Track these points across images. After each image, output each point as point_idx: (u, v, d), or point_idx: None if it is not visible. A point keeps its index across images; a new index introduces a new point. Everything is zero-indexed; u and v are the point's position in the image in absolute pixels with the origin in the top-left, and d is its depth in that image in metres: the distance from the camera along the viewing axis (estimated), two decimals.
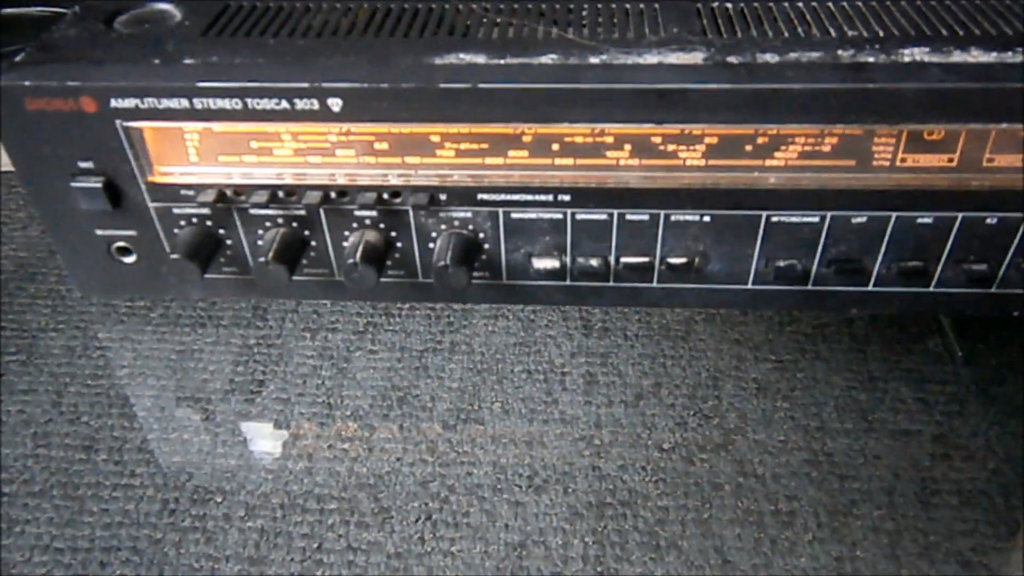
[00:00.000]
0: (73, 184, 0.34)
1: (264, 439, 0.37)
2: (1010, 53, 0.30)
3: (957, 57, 0.31)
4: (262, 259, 0.34)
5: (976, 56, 0.31)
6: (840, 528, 0.33)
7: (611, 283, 0.36)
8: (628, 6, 0.36)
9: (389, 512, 0.34)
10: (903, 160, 0.32)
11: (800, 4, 0.35)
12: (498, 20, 0.35)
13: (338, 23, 0.35)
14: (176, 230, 0.36)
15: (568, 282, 0.36)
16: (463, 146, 0.33)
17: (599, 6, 0.36)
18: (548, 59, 0.32)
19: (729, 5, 0.35)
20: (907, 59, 0.31)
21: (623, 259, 0.35)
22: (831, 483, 0.35)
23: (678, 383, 0.39)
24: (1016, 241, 0.33)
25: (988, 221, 0.33)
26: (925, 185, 0.32)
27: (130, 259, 0.37)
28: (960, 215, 0.32)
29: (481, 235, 0.35)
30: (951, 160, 0.32)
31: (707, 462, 0.36)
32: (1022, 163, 0.31)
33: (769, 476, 0.35)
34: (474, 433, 0.38)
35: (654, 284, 0.36)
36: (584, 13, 0.35)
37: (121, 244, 0.36)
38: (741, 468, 0.36)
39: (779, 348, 0.40)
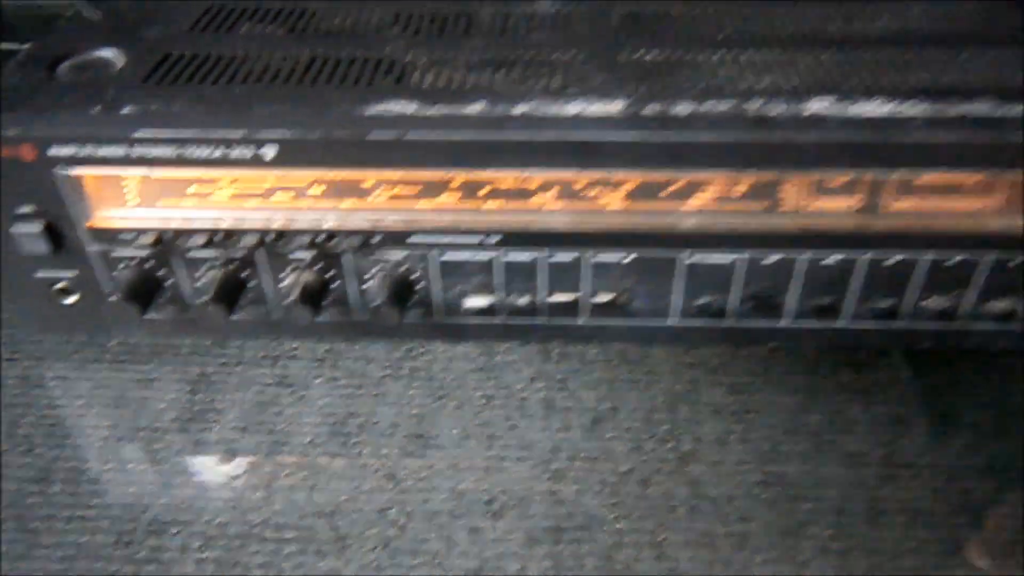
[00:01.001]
0: (13, 230, 0.35)
1: (221, 469, 0.38)
2: (907, 104, 0.33)
3: (856, 109, 0.33)
4: (201, 300, 0.35)
5: (874, 107, 0.33)
6: (791, 548, 0.34)
7: (540, 320, 0.37)
8: (558, 54, 0.37)
9: (347, 540, 0.34)
10: (810, 204, 0.34)
11: (716, 55, 0.37)
12: (431, 67, 0.36)
13: (277, 70, 0.36)
14: (116, 271, 0.36)
15: (499, 319, 0.37)
16: (395, 191, 0.34)
17: (531, 53, 0.37)
18: (475, 108, 0.33)
19: (650, 55, 0.37)
20: (809, 111, 0.33)
21: (551, 297, 0.37)
22: (782, 504, 0.36)
23: (635, 407, 0.40)
24: (918, 278, 0.35)
25: (889, 261, 0.35)
26: (831, 228, 0.34)
27: (71, 299, 0.38)
28: (863, 255, 0.35)
29: (414, 275, 0.36)
30: (855, 204, 0.34)
31: (662, 485, 0.37)
32: (920, 207, 0.34)
33: (722, 498, 0.36)
34: (433, 459, 0.38)
35: (581, 321, 0.37)
36: (515, 60, 0.37)
37: (62, 285, 0.37)
38: (695, 490, 0.36)
39: (734, 372, 0.41)
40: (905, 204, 0.34)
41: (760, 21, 0.40)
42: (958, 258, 0.34)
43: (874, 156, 0.32)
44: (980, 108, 0.32)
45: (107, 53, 0.38)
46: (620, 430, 0.39)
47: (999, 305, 0.35)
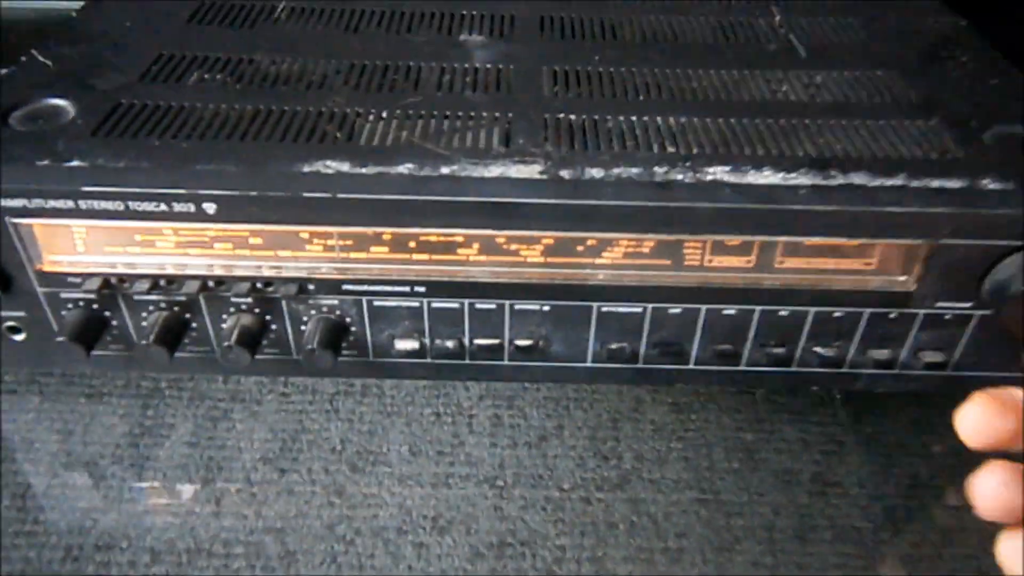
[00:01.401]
0: None
1: (171, 483, 0.39)
2: (793, 174, 0.36)
3: (750, 177, 0.36)
4: (144, 342, 0.37)
5: (766, 176, 0.36)
6: (724, 564, 0.36)
7: (466, 361, 0.40)
8: (488, 113, 0.40)
9: (295, 556, 0.36)
10: (710, 261, 0.37)
11: (633, 118, 0.40)
12: (367, 123, 0.39)
13: (221, 123, 0.39)
14: (64, 312, 0.38)
15: (428, 360, 0.40)
16: (329, 242, 0.37)
17: (463, 111, 0.40)
18: (404, 168, 0.36)
19: (572, 117, 0.40)
20: (709, 178, 0.36)
21: (476, 341, 0.39)
22: (718, 520, 0.38)
23: (580, 425, 0.42)
24: (806, 329, 0.39)
25: (781, 313, 0.38)
26: (728, 283, 0.37)
27: (20, 336, 0.40)
28: (757, 308, 0.38)
29: (347, 319, 0.39)
30: (749, 262, 0.37)
31: (604, 501, 0.39)
32: (807, 266, 0.37)
33: (661, 515, 0.38)
34: (381, 475, 0.40)
35: (505, 362, 0.40)
36: (448, 118, 0.40)
37: (11, 324, 0.39)
38: (635, 507, 0.38)
39: (676, 391, 0.44)
40: (793, 263, 0.37)
41: (673, 85, 0.43)
42: (841, 312, 0.38)
43: (763, 222, 0.35)
44: (858, 179, 0.36)
45: (59, 102, 0.40)
46: (565, 448, 0.41)
47: (879, 353, 0.39)
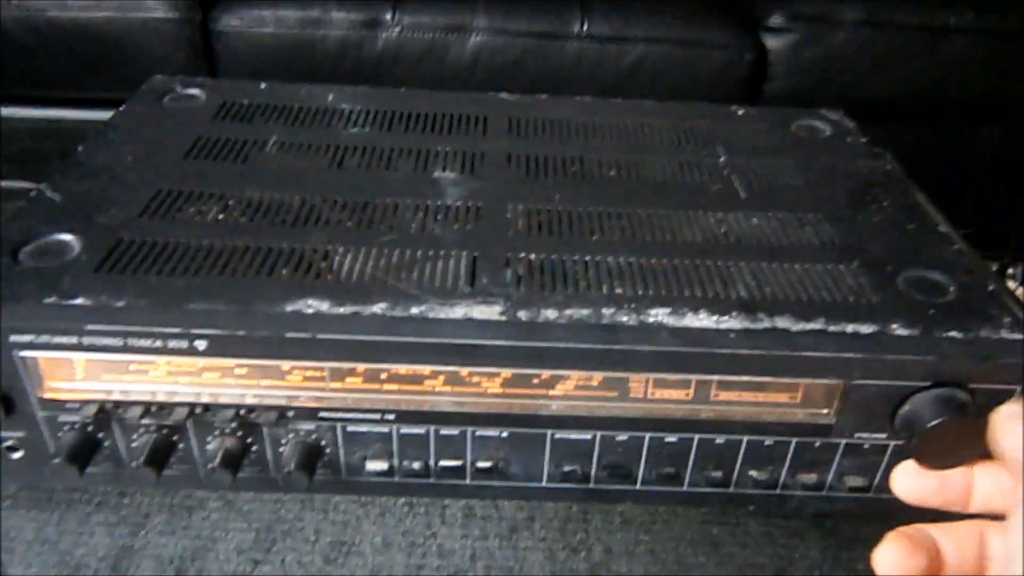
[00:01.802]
0: None
1: (145, 571, 0.40)
2: (725, 318, 0.41)
3: (687, 320, 0.40)
4: (134, 463, 0.40)
5: (701, 319, 0.41)
6: None
7: (432, 480, 0.44)
8: (454, 252, 0.45)
9: None
10: (653, 394, 0.41)
11: (587, 259, 0.45)
12: (346, 261, 0.43)
13: (214, 260, 0.43)
14: (60, 434, 0.42)
15: (396, 479, 0.43)
16: (307, 374, 0.41)
17: (430, 252, 0.45)
18: (378, 308, 0.40)
19: (532, 257, 0.45)
20: (651, 319, 0.40)
21: (440, 463, 0.43)
22: None
23: (550, 517, 0.44)
24: (741, 455, 0.42)
25: (718, 441, 0.42)
26: (669, 414, 0.41)
27: (17, 455, 0.43)
28: (696, 436, 0.42)
29: (323, 443, 0.42)
30: (688, 395, 0.41)
31: None
32: (739, 399, 0.41)
33: None
34: (354, 567, 0.41)
35: (467, 481, 0.44)
36: (420, 257, 0.44)
37: (10, 443, 0.42)
38: None
39: None
40: (727, 396, 0.41)
41: (625, 224, 0.48)
42: (771, 440, 0.42)
43: (698, 363, 0.39)
44: (782, 323, 0.40)
45: (65, 237, 0.44)
46: (535, 540, 0.43)
47: (807, 477, 0.43)
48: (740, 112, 0.63)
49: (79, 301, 0.39)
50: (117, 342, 0.39)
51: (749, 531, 0.45)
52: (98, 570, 0.41)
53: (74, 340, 0.39)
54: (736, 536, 0.44)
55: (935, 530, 0.36)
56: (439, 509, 0.44)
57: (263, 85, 0.62)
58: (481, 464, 0.43)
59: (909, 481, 0.37)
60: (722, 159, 0.56)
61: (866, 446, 0.42)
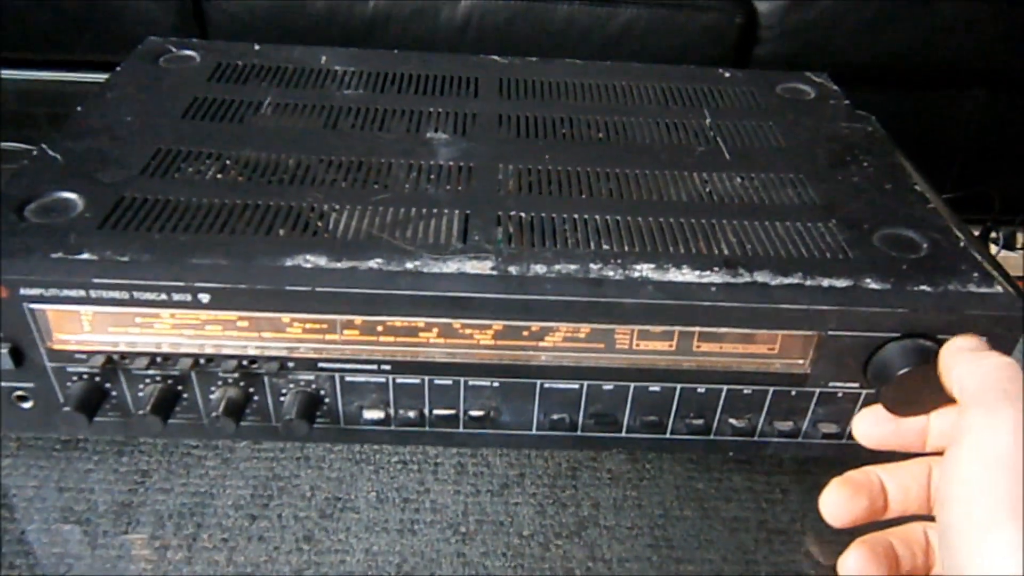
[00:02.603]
0: None
1: (144, 530, 0.41)
2: (707, 273, 0.42)
3: (671, 274, 0.42)
4: (141, 412, 0.42)
5: (684, 274, 0.42)
6: None
7: (426, 429, 0.46)
8: (446, 210, 0.46)
9: None
10: (637, 345, 0.43)
11: (575, 216, 0.46)
12: (342, 219, 0.45)
13: (214, 218, 0.44)
14: (68, 384, 0.43)
15: (392, 428, 0.45)
16: (307, 326, 0.42)
17: (423, 210, 0.46)
18: (374, 263, 0.42)
19: (523, 215, 0.46)
20: (636, 274, 0.42)
21: (435, 411, 0.45)
22: (668, 566, 0.41)
23: (540, 473, 0.45)
24: (721, 403, 0.45)
25: (699, 390, 0.44)
26: (653, 364, 0.43)
27: (27, 405, 0.44)
28: (679, 386, 0.44)
29: (322, 392, 0.44)
30: (671, 346, 0.43)
31: (561, 548, 0.41)
32: (720, 350, 0.43)
33: (616, 560, 0.41)
34: (349, 521, 0.42)
35: (460, 430, 0.46)
36: (414, 214, 0.45)
37: (20, 393, 0.44)
38: (591, 553, 0.41)
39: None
40: (708, 348, 0.43)
41: (612, 183, 0.49)
42: (750, 390, 0.44)
43: (681, 315, 0.41)
44: (761, 277, 0.42)
45: (68, 195, 0.45)
46: (526, 495, 0.44)
47: (784, 425, 0.45)
48: (726, 75, 0.64)
49: (85, 256, 0.41)
50: (123, 295, 0.40)
51: (733, 485, 0.46)
52: (99, 525, 0.42)
53: (81, 293, 0.40)
54: (720, 490, 0.46)
55: (881, 470, 0.37)
56: (432, 466, 0.46)
57: (257, 47, 0.63)
58: (473, 413, 0.45)
59: (867, 426, 0.39)
60: (708, 121, 0.57)
61: (839, 395, 0.44)
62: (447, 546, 0.42)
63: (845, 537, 0.35)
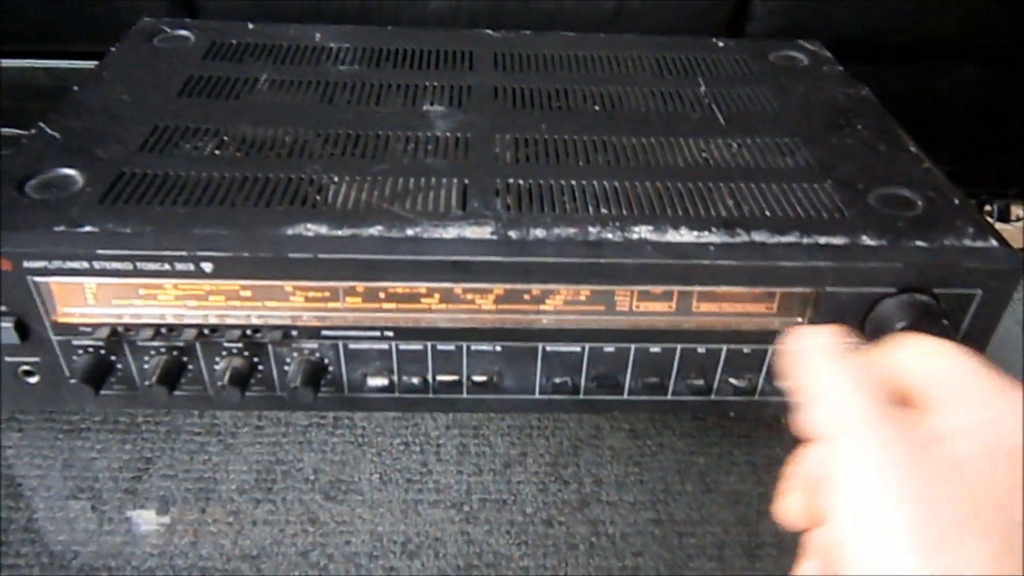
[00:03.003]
0: None
1: (150, 515, 0.42)
2: (704, 233, 0.43)
3: (669, 236, 0.43)
4: (147, 383, 0.43)
5: (682, 235, 0.43)
6: None
7: (430, 395, 0.46)
8: (444, 179, 0.47)
9: None
10: (637, 307, 0.44)
11: (572, 182, 0.47)
12: (342, 188, 0.45)
13: (214, 190, 0.44)
14: (74, 357, 0.44)
15: (396, 395, 0.46)
16: (310, 294, 0.43)
17: (422, 179, 0.46)
18: (375, 230, 0.42)
19: (521, 182, 0.47)
20: (635, 236, 0.42)
21: (438, 377, 0.45)
22: (671, 540, 0.41)
23: (542, 452, 0.45)
24: (721, 363, 0.45)
25: (699, 350, 0.45)
26: (654, 325, 0.44)
27: (34, 379, 0.45)
28: (679, 346, 0.44)
29: (326, 360, 0.44)
30: (670, 307, 0.44)
31: (565, 524, 0.42)
32: (719, 310, 0.44)
33: (619, 535, 0.41)
34: (353, 503, 0.42)
35: (463, 395, 0.46)
36: (412, 183, 0.46)
37: (26, 368, 0.44)
38: (594, 528, 0.41)
39: (633, 418, 0.47)
40: (708, 307, 0.44)
41: (609, 150, 0.50)
42: (749, 349, 0.44)
43: (680, 275, 0.42)
44: (758, 237, 0.42)
45: (68, 171, 0.45)
46: (528, 474, 0.44)
47: (784, 384, 0.45)
48: (720, 44, 0.64)
49: (88, 228, 0.41)
50: (126, 266, 0.40)
51: (734, 460, 0.47)
52: (104, 511, 0.43)
53: (85, 265, 0.40)
54: (721, 465, 0.46)
55: None
56: (434, 447, 0.46)
57: (251, 26, 0.63)
58: (476, 378, 0.45)
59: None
60: (702, 89, 0.58)
61: None
62: (451, 525, 0.42)
63: None
